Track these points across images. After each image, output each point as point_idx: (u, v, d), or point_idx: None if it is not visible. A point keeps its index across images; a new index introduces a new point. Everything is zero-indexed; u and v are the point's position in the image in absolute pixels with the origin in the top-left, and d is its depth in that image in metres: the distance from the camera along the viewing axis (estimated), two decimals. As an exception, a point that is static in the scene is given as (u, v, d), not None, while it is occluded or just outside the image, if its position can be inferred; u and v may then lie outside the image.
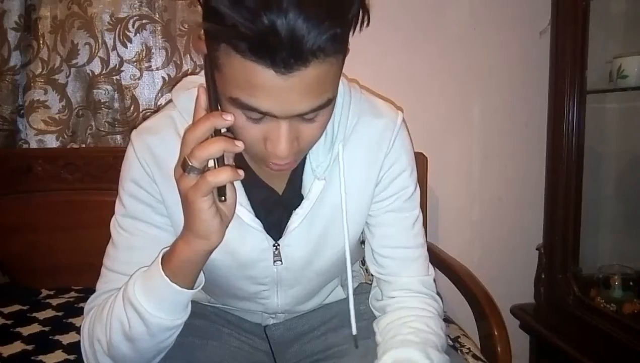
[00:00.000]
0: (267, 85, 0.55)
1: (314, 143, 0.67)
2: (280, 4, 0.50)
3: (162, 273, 0.64)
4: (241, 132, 0.61)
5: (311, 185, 0.76)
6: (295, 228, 0.77)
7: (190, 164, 0.57)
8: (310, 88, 0.57)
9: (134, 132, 0.75)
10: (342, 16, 0.56)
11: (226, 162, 0.61)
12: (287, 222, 0.78)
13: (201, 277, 0.69)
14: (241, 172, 0.58)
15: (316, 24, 0.52)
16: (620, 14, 1.55)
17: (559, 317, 1.51)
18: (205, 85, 0.62)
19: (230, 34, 0.53)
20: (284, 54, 0.52)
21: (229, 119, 0.58)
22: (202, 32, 0.60)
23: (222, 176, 0.57)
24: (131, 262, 0.71)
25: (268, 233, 0.77)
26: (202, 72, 0.79)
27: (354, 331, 0.81)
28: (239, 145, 0.58)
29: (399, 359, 0.71)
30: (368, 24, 0.59)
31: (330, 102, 0.61)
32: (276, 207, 0.78)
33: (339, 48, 0.57)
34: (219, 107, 0.61)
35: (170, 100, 0.77)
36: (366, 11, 0.59)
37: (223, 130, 0.62)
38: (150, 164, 0.73)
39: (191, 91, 0.74)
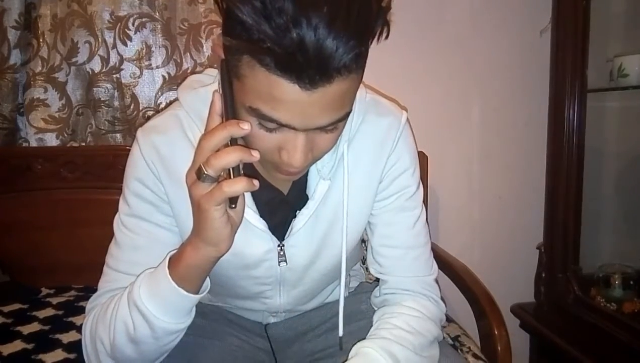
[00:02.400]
0: (290, 99, 0.55)
1: (327, 152, 0.67)
2: (310, 21, 0.50)
3: (169, 277, 0.64)
4: (255, 141, 0.61)
5: (316, 186, 0.76)
6: (300, 229, 0.77)
7: (205, 172, 0.57)
8: (332, 103, 0.57)
9: (139, 131, 0.75)
10: (368, 33, 0.56)
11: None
12: (292, 221, 0.77)
13: (207, 282, 0.69)
14: (256, 183, 0.58)
15: (344, 42, 0.52)
16: (620, 13, 1.55)
17: (559, 316, 1.51)
18: (218, 89, 0.62)
19: (256, 48, 0.53)
20: (310, 71, 0.53)
21: (246, 127, 0.57)
22: (221, 37, 0.59)
23: (237, 186, 0.57)
24: (134, 262, 0.71)
25: (273, 234, 0.77)
26: (207, 71, 0.80)
27: (340, 333, 0.81)
28: (256, 155, 0.57)
29: (357, 353, 0.71)
30: (387, 37, 0.59)
31: (348, 115, 0.62)
32: (281, 207, 0.78)
33: (362, 64, 0.58)
34: (234, 114, 0.61)
35: (175, 100, 0.77)
36: (387, 24, 0.58)
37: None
38: (156, 163, 0.72)
39: (198, 91, 0.73)
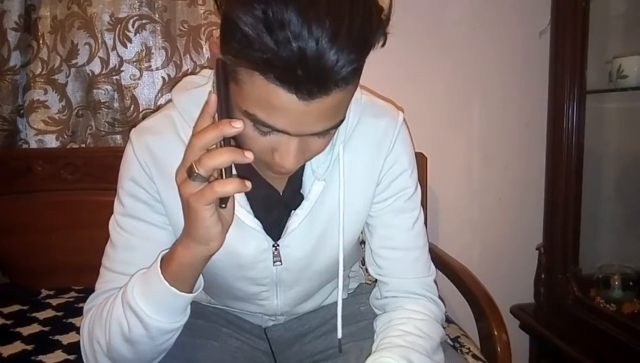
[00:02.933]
0: (287, 107, 0.55)
1: (319, 153, 0.67)
2: (312, 34, 0.50)
3: (161, 277, 0.64)
4: (249, 142, 0.61)
5: (311, 186, 0.76)
6: (295, 229, 0.77)
7: (196, 171, 0.56)
8: (328, 112, 0.58)
9: (133, 131, 0.75)
10: (368, 47, 0.56)
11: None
12: (287, 221, 0.77)
13: (200, 281, 0.68)
14: (248, 184, 0.57)
15: (345, 56, 0.52)
16: (620, 14, 1.55)
17: (559, 317, 1.51)
18: (213, 89, 0.61)
19: (257, 58, 0.53)
20: (309, 84, 0.53)
21: (238, 126, 0.56)
22: (219, 38, 0.59)
23: (229, 187, 0.56)
24: (130, 262, 0.71)
25: (267, 233, 0.77)
26: (202, 72, 0.80)
27: (339, 335, 0.81)
28: (249, 156, 0.57)
29: None
30: (383, 45, 0.59)
31: (342, 122, 0.62)
32: (276, 206, 0.78)
33: (359, 75, 0.58)
34: (229, 115, 0.60)
35: (169, 100, 0.77)
36: (385, 36, 0.59)
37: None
38: (149, 164, 0.72)
39: (192, 92, 0.73)
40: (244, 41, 0.53)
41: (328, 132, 0.62)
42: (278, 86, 0.54)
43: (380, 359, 0.71)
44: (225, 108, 0.60)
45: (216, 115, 0.60)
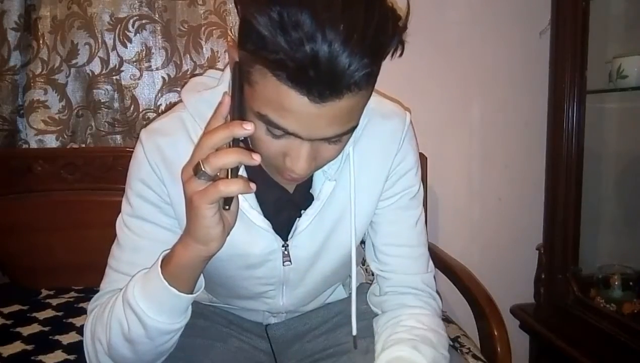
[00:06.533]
0: (298, 110, 0.56)
1: (331, 161, 0.67)
2: (325, 36, 0.51)
3: (161, 276, 0.64)
4: (261, 145, 0.62)
5: (322, 186, 0.77)
6: (304, 229, 0.77)
7: (202, 169, 0.56)
8: (340, 117, 0.58)
9: (143, 132, 0.74)
10: (382, 53, 0.57)
11: (239, 171, 0.60)
12: (296, 221, 0.78)
13: (201, 282, 0.68)
14: (253, 186, 0.57)
15: (358, 60, 0.52)
16: (620, 14, 1.55)
17: (559, 317, 1.51)
18: (228, 91, 0.62)
19: (269, 59, 0.53)
20: (321, 86, 0.53)
21: (249, 128, 0.56)
22: (237, 40, 0.59)
23: (233, 187, 0.56)
24: (136, 264, 0.71)
25: (277, 233, 0.77)
26: (209, 72, 0.80)
27: (354, 332, 0.81)
28: (256, 159, 0.57)
29: (390, 359, 0.72)
30: (401, 55, 0.59)
31: (354, 129, 0.62)
32: (286, 207, 0.78)
33: (373, 82, 0.58)
34: (241, 117, 0.60)
35: (177, 102, 0.77)
36: (402, 44, 0.59)
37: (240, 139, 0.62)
38: (159, 165, 0.72)
39: (202, 94, 0.74)
40: (259, 41, 0.53)
41: (340, 139, 0.62)
42: (290, 87, 0.54)
43: (393, 353, 0.72)
44: (238, 110, 0.60)
45: (228, 117, 0.60)
